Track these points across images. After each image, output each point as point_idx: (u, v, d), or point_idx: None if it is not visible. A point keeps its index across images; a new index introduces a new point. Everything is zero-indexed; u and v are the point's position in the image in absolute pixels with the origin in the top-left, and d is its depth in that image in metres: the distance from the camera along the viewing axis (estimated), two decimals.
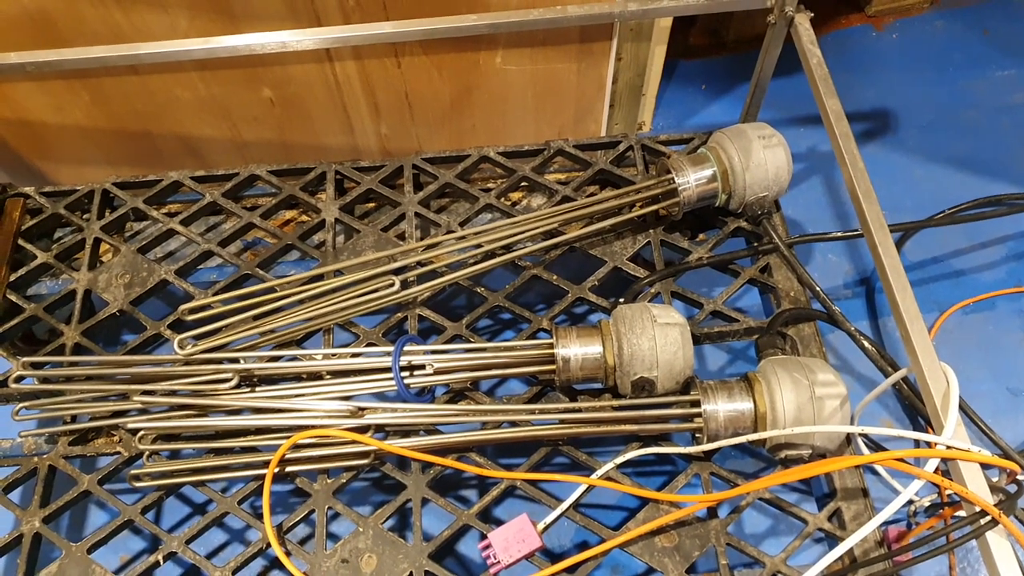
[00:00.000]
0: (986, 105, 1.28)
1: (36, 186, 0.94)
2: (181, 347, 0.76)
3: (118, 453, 0.75)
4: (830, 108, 0.76)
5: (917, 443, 0.60)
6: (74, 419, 0.77)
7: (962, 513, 0.85)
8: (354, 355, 0.76)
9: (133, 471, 0.73)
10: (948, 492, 0.89)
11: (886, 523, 0.81)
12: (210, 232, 0.95)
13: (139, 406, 0.75)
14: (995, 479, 0.68)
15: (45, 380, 0.78)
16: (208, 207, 0.91)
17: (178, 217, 0.90)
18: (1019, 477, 0.61)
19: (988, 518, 0.55)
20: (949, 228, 1.13)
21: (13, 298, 0.85)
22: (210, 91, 0.99)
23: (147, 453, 0.74)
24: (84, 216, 0.92)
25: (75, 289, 0.85)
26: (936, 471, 0.58)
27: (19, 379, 0.77)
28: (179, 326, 0.81)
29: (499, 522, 0.66)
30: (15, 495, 0.74)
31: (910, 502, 0.89)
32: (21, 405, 0.76)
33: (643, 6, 0.85)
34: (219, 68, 0.96)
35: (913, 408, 0.97)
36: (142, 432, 0.74)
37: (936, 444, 0.58)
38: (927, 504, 0.89)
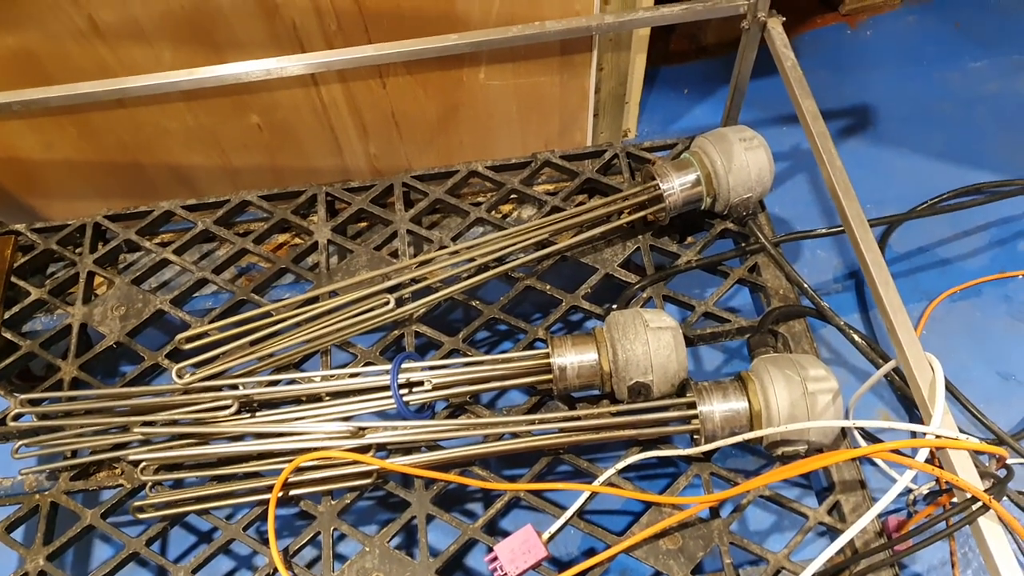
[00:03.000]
0: (961, 96, 1.31)
1: (27, 223, 0.94)
2: (180, 376, 0.76)
3: (120, 486, 0.75)
4: (806, 109, 0.78)
5: (914, 434, 0.61)
6: (75, 454, 0.77)
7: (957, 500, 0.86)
8: (352, 375, 0.77)
9: (136, 503, 0.73)
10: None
11: (886, 513, 0.82)
12: (204, 260, 0.96)
13: (140, 437, 0.75)
14: (987, 464, 0.70)
15: (44, 416, 0.78)
16: (201, 235, 0.92)
17: (171, 247, 0.91)
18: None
19: (979, 504, 0.56)
20: (933, 218, 1.15)
21: (8, 335, 0.85)
22: (198, 120, 1.00)
23: (150, 484, 0.74)
24: (77, 250, 0.92)
25: (70, 324, 0.86)
26: (934, 459, 0.59)
27: (17, 416, 0.77)
28: (177, 355, 0.81)
29: (505, 534, 0.67)
30: (18, 534, 0.74)
31: (908, 491, 0.90)
32: (20, 443, 0.76)
33: (619, 18, 0.87)
34: (206, 97, 0.97)
35: (906, 398, 0.99)
36: (144, 463, 0.75)
37: (926, 434, 0.59)
38: (925, 492, 0.90)
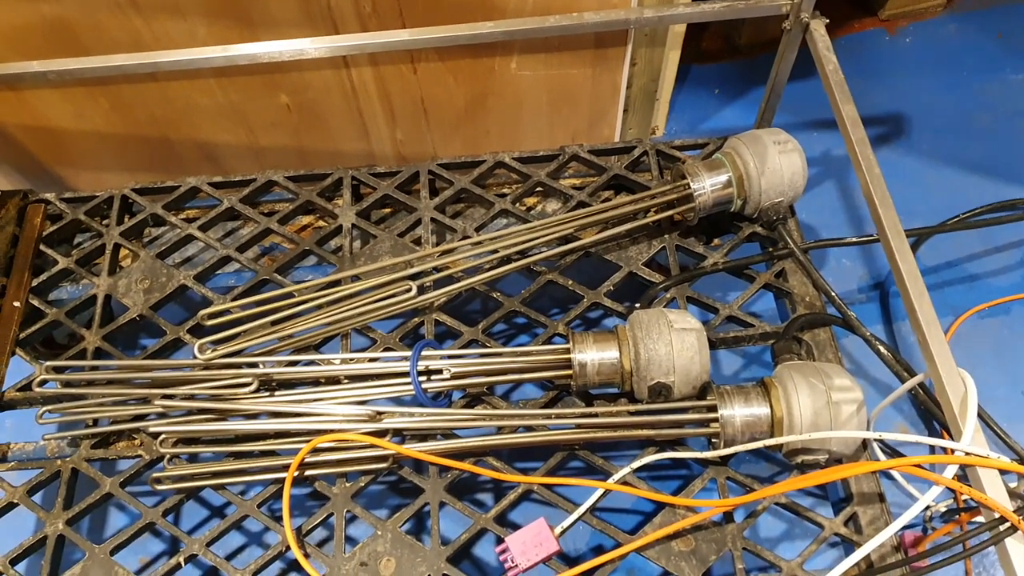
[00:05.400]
0: (1000, 109, 1.28)
1: (56, 192, 0.95)
2: (201, 352, 0.77)
3: (139, 456, 0.76)
4: (846, 114, 0.76)
5: (932, 449, 0.60)
6: (96, 423, 0.78)
7: (979, 519, 0.85)
8: (372, 360, 0.77)
9: (155, 474, 0.74)
10: (964, 497, 0.88)
11: (902, 528, 0.81)
12: (228, 237, 0.96)
13: (160, 410, 0.76)
14: (1013, 484, 0.68)
15: (67, 384, 0.79)
16: (226, 213, 0.92)
17: (196, 223, 0.91)
18: None
19: (1007, 524, 0.55)
20: (964, 232, 1.13)
21: (35, 303, 0.86)
22: (228, 97, 1.00)
23: (168, 456, 0.75)
24: (104, 222, 0.93)
25: (95, 294, 0.87)
26: (954, 477, 0.58)
27: (42, 383, 0.79)
28: (198, 331, 0.82)
29: (516, 526, 0.67)
30: (38, 497, 0.75)
31: (927, 507, 0.88)
32: (44, 409, 0.77)
33: (659, 12, 0.86)
34: (237, 75, 0.97)
35: (929, 413, 0.97)
36: (163, 436, 0.75)
37: (954, 450, 0.58)
38: (943, 509, 0.89)
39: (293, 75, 0.98)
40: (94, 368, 0.80)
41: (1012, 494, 0.58)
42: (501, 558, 0.66)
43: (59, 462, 0.76)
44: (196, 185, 0.94)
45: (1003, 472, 0.58)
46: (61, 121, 1.02)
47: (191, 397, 0.76)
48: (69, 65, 0.86)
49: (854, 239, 0.88)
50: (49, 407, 0.77)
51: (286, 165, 1.03)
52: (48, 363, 0.79)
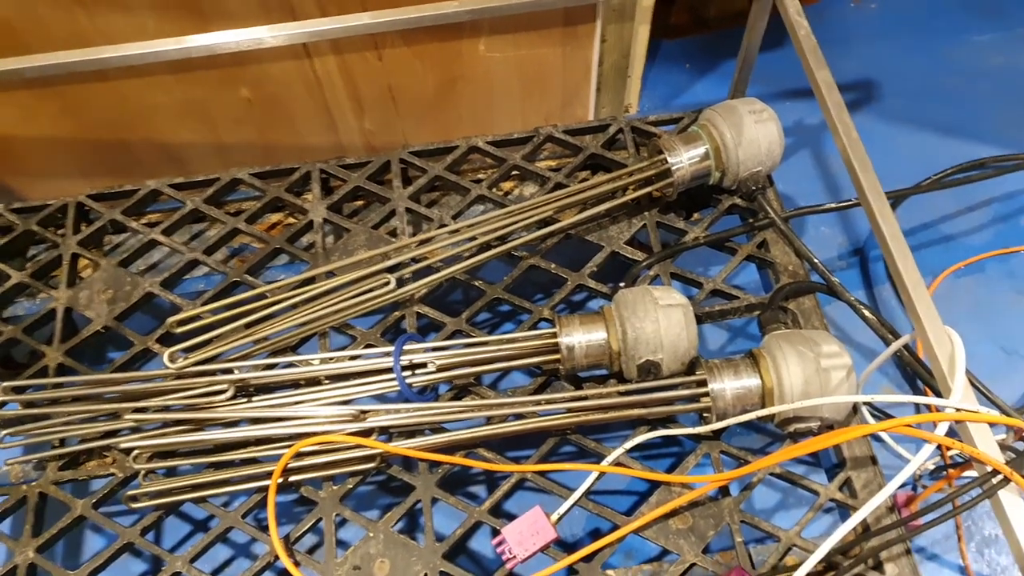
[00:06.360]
0: (966, 70, 1.30)
1: (5, 202, 0.90)
2: (172, 361, 0.73)
3: (112, 475, 0.73)
4: (821, 79, 0.76)
5: (917, 408, 0.60)
6: (63, 443, 0.74)
7: (969, 473, 0.86)
8: (352, 357, 0.75)
9: (129, 492, 0.71)
10: (952, 453, 0.90)
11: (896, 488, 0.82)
12: (194, 240, 0.92)
13: (131, 424, 0.72)
14: (999, 438, 0.69)
15: (29, 404, 0.75)
16: (190, 215, 0.88)
17: (159, 227, 0.87)
18: None
19: (1000, 477, 0.55)
20: (936, 194, 1.14)
21: None
22: (185, 94, 0.96)
23: (143, 472, 0.72)
24: (59, 231, 0.88)
25: (55, 308, 0.82)
26: (944, 434, 0.58)
27: (1, 405, 0.74)
28: (168, 339, 0.79)
29: (511, 516, 0.65)
30: (5, 526, 0.71)
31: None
32: (5, 432, 0.73)
33: None
34: (193, 69, 0.92)
35: (915, 373, 0.98)
36: (136, 451, 0.72)
37: (944, 407, 0.58)
38: (931, 467, 0.90)
39: (253, 67, 0.94)
40: (57, 385, 0.76)
41: (1002, 446, 0.58)
42: (498, 550, 0.65)
43: (25, 487, 0.72)
44: (156, 188, 0.89)
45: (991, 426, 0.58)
46: (6, 127, 0.97)
47: (164, 409, 0.72)
48: (6, 65, 0.81)
49: (834, 205, 0.88)
50: (10, 430, 0.73)
51: (251, 162, 0.99)
52: (6, 383, 0.75)
